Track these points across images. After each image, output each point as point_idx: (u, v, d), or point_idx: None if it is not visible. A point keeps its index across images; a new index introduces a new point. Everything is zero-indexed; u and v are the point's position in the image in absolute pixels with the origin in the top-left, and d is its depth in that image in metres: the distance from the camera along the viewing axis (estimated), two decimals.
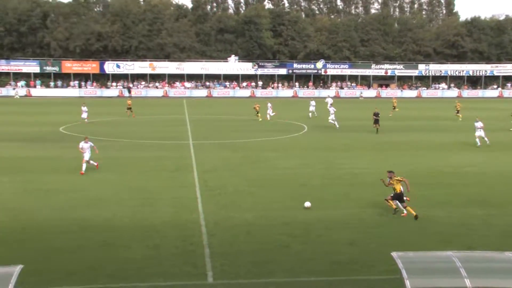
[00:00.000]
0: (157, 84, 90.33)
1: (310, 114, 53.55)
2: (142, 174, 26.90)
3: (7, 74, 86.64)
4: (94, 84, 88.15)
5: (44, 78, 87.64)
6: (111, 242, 16.86)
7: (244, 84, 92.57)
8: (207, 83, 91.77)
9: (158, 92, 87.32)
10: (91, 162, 27.21)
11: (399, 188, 19.77)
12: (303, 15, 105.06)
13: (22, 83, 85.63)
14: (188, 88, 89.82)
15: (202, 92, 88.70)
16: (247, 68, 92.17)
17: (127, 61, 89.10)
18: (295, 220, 19.30)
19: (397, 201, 19.97)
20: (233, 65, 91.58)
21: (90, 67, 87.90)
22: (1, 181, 24.76)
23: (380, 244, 16.86)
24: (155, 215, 19.77)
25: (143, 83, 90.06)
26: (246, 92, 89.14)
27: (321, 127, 45.48)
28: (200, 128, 45.17)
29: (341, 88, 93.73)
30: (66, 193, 22.76)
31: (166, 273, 14.54)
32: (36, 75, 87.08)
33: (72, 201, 21.46)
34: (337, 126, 44.40)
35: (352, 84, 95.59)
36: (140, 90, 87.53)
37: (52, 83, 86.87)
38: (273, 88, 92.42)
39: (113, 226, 18.47)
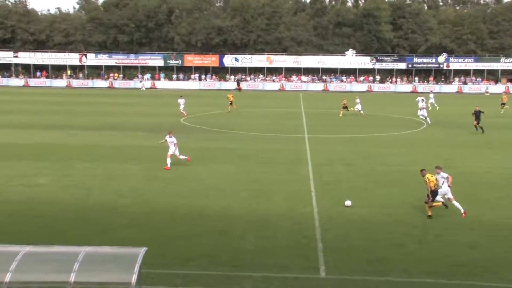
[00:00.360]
0: (273, 77, 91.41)
1: (429, 106, 51.55)
2: (258, 166, 27.37)
3: (135, 67, 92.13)
4: (213, 77, 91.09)
5: (167, 71, 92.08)
6: (227, 231, 17.36)
7: (361, 78, 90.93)
8: (324, 77, 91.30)
9: (275, 86, 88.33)
10: (181, 156, 26.89)
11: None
12: (426, 7, 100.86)
13: (148, 75, 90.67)
14: (304, 82, 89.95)
15: (318, 86, 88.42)
16: (364, 62, 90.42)
17: (245, 54, 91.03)
18: (411, 219, 18.69)
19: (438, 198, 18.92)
20: (350, 59, 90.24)
21: (210, 60, 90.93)
22: (127, 168, 26.39)
23: (505, 249, 15.83)
24: (269, 207, 20.05)
25: (260, 76, 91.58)
26: (363, 87, 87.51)
27: (440, 124, 43.52)
28: (315, 122, 45.08)
29: (465, 83, 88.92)
30: (185, 182, 23.76)
31: (279, 264, 14.70)
32: (160, 68, 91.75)
33: (191, 190, 22.36)
34: (429, 121, 43.57)
35: (478, 79, 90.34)
36: (257, 83, 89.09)
37: (174, 76, 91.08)
38: (391, 82, 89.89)
39: (229, 216, 18.99)
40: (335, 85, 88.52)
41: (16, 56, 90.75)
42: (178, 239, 16.55)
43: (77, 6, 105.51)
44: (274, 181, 23.98)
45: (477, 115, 38.64)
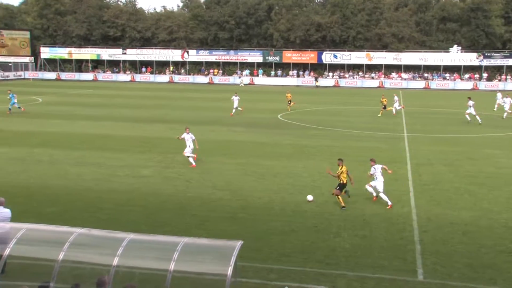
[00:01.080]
0: (373, 74, 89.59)
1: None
2: (356, 164, 26.89)
3: (234, 64, 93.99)
4: (312, 73, 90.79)
5: (266, 67, 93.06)
6: (321, 228, 17.27)
7: (466, 76, 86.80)
8: (425, 74, 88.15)
9: (374, 83, 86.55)
10: (189, 155, 25.81)
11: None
12: None
13: (246, 72, 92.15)
14: (405, 79, 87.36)
15: (419, 84, 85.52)
16: (470, 58, 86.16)
17: (344, 51, 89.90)
18: None
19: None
20: (455, 56, 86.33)
21: (308, 57, 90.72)
22: (224, 162, 26.97)
23: None
24: (365, 206, 19.71)
25: (360, 73, 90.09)
26: (467, 85, 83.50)
27: None
28: (415, 121, 43.64)
29: None
30: (281, 177, 23.90)
31: (375, 265, 14.40)
32: (259, 65, 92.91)
33: (286, 186, 22.45)
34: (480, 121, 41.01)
35: None
36: (356, 80, 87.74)
37: (272, 72, 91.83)
38: (499, 80, 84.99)
39: (324, 213, 18.87)
40: (437, 83, 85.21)
41: (125, 53, 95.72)
42: (273, 234, 16.69)
43: (181, 4, 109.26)
44: (371, 180, 23.48)
45: None
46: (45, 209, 18.74)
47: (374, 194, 20.17)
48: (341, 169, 19.58)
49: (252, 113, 46.91)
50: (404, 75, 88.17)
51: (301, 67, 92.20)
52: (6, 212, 14.04)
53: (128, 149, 29.91)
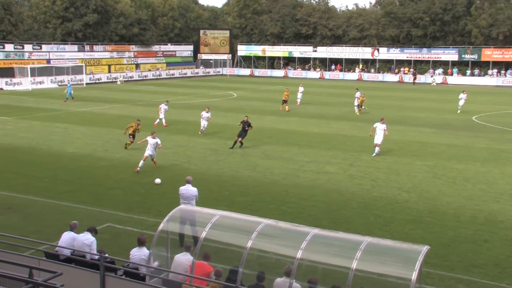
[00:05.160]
0: None
1: None
2: None
3: (427, 62, 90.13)
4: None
5: (461, 66, 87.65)
6: None
7: None
8: None
9: None
10: (146, 157, 23.43)
11: None
12: None
13: (439, 70, 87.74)
14: None
15: None
16: None
17: None
18: None
19: None
20: None
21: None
22: (412, 164, 26.03)
23: None
24: None
25: None
26: None
27: None
28: None
29: None
30: (473, 183, 22.38)
31: None
32: (454, 63, 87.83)
33: (480, 192, 20.94)
34: None
35: None
36: None
37: (468, 71, 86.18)
38: None
39: None
40: None
41: (315, 51, 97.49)
42: (463, 242, 15.67)
43: (373, 1, 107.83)
44: None
45: None
46: (236, 198, 19.89)
47: None
48: None
49: (443, 114, 44.62)
50: None
51: (503, 66, 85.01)
52: (193, 190, 15.59)
53: (314, 145, 30.39)
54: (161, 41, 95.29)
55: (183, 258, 11.05)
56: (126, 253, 11.90)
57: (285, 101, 45.29)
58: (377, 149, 27.57)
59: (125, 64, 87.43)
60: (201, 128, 33.27)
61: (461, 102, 46.13)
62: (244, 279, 10.07)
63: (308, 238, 10.04)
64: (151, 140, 23.52)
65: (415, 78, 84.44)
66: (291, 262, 9.92)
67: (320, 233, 10.45)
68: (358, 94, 45.38)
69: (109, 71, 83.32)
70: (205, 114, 33.43)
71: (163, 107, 36.43)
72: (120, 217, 17.36)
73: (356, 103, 45.51)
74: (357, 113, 44.19)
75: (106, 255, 11.36)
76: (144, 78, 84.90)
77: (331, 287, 10.02)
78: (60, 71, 71.31)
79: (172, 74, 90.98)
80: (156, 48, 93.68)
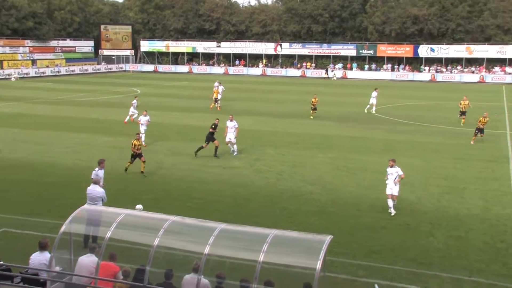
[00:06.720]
0: (473, 68, 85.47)
1: None
2: (451, 161, 25.93)
3: (327, 57, 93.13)
4: (407, 67, 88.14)
5: (359, 61, 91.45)
6: (414, 227, 16.76)
7: None
8: None
9: (474, 78, 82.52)
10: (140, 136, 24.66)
11: None
12: None
13: (339, 65, 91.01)
14: (509, 73, 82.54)
15: None
16: None
17: (442, 44, 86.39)
18: None
19: None
20: None
21: (403, 50, 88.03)
22: (315, 156, 26.85)
23: None
24: (461, 205, 18.91)
25: (458, 67, 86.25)
26: None
27: None
28: None
29: None
30: (372, 173, 23.42)
31: (471, 267, 13.77)
32: (352, 58, 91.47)
33: (377, 182, 21.92)
34: None
35: None
36: (454, 75, 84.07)
37: (366, 66, 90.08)
38: None
39: (416, 211, 18.33)
40: None
41: (219, 46, 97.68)
42: (363, 230, 16.42)
43: None
44: (468, 179, 22.51)
45: None
46: (142, 196, 19.54)
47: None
48: None
49: (343, 107, 46.32)
50: (508, 69, 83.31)
51: (396, 61, 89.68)
52: (100, 191, 15.16)
53: (221, 140, 30.41)
54: (59, 36, 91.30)
55: (88, 260, 10.70)
56: (26, 259, 11.33)
57: (314, 108, 40.63)
58: (235, 146, 27.06)
59: (20, 60, 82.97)
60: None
61: (373, 101, 43.26)
62: (152, 277, 9.93)
63: (215, 233, 10.07)
64: (143, 119, 28.48)
65: (327, 73, 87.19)
66: (199, 258, 9.91)
67: (227, 228, 10.51)
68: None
69: (2, 67, 78.74)
70: (143, 118, 29.70)
71: (135, 103, 36.53)
72: (17, 220, 16.50)
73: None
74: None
75: (1, 262, 10.75)
76: (42, 74, 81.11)
77: (239, 280, 10.12)
78: None
79: (72, 71, 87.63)
80: (54, 43, 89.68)
